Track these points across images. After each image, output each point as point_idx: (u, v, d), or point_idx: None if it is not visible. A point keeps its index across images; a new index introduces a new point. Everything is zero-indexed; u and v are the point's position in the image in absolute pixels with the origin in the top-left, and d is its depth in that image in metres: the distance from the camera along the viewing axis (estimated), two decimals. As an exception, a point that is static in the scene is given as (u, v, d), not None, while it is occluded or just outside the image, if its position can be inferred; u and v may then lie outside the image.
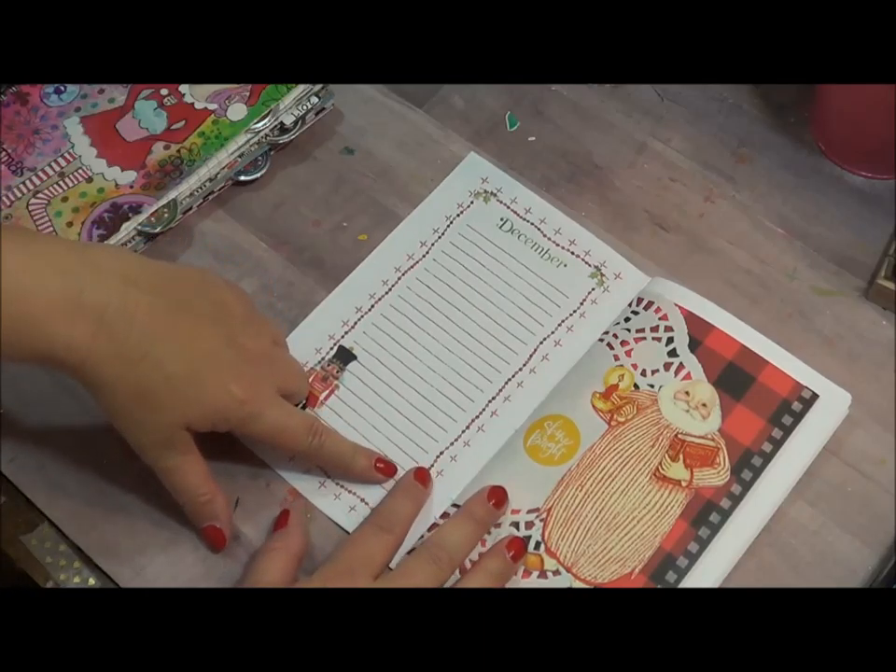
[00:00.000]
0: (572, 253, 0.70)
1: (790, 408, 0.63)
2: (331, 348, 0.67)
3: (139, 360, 0.56)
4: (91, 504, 0.62)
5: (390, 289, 0.69)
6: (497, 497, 0.61)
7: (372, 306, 0.68)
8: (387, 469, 0.63)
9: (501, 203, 0.72)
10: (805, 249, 0.70)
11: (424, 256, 0.70)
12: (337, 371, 0.67)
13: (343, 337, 0.68)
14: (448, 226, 0.71)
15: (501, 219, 0.71)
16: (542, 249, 0.70)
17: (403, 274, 0.70)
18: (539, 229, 0.71)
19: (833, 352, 0.66)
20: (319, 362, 0.67)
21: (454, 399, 0.66)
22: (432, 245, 0.70)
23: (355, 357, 0.67)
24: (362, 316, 0.68)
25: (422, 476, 0.62)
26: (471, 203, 0.72)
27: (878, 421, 0.64)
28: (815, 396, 0.63)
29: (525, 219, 0.71)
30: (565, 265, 0.69)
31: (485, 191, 0.72)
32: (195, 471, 0.60)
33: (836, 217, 0.71)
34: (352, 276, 0.70)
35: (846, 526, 0.61)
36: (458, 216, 0.71)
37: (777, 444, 0.62)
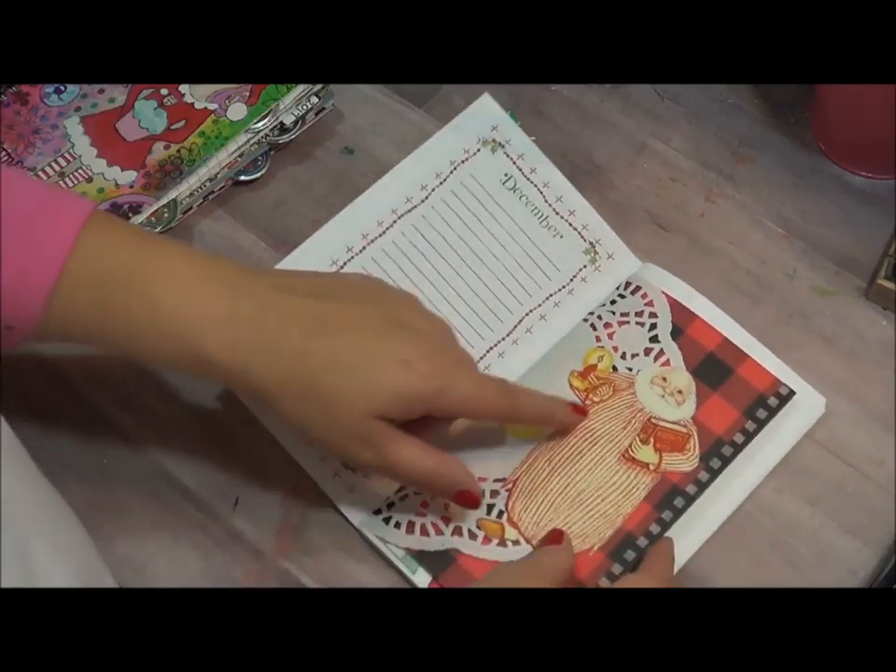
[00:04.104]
0: (570, 224, 0.69)
1: (765, 402, 0.63)
2: None
3: (304, 356, 0.54)
4: (91, 504, 0.62)
5: (384, 232, 0.68)
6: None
7: (364, 248, 0.67)
8: (580, 409, 0.62)
9: (508, 156, 0.70)
10: (805, 249, 0.70)
11: (423, 201, 0.69)
12: None
13: None
14: (451, 171, 0.70)
15: (506, 175, 0.70)
16: (542, 215, 0.69)
17: (399, 217, 0.68)
18: (541, 192, 0.70)
19: (833, 352, 0.66)
20: None
21: None
22: (433, 190, 0.69)
23: None
24: (353, 257, 0.67)
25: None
26: (478, 150, 0.70)
27: (878, 421, 0.64)
28: (791, 393, 0.63)
29: (529, 179, 0.70)
30: (561, 236, 0.69)
31: (494, 140, 0.71)
32: (412, 457, 0.56)
33: (836, 217, 0.71)
34: (348, 209, 0.68)
35: (846, 526, 0.61)
36: (463, 162, 0.70)
37: (749, 436, 0.62)
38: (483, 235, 0.69)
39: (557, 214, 0.70)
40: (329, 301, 0.57)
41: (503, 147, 0.71)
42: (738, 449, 0.62)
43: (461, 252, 0.68)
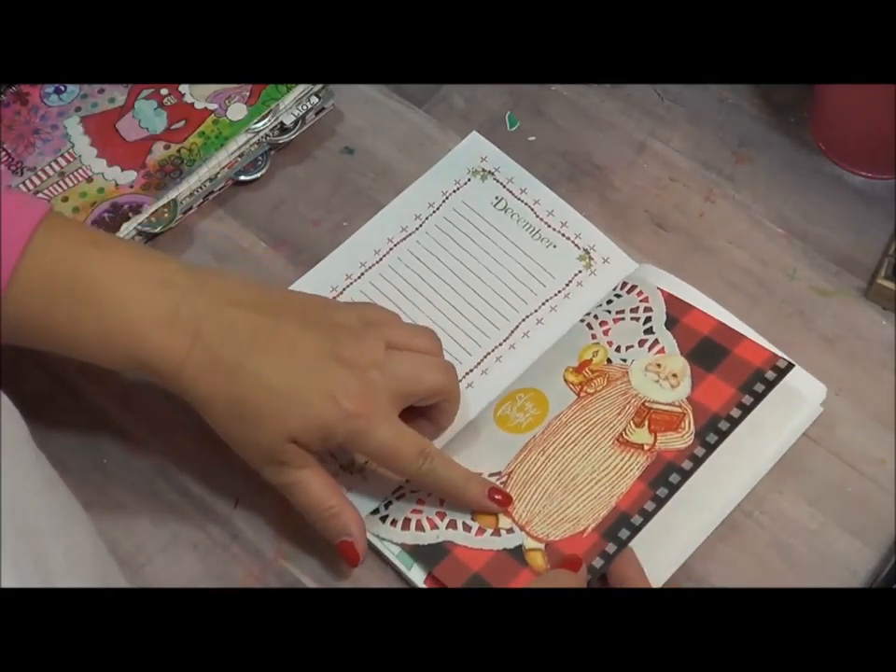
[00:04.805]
0: (563, 235, 0.70)
1: (762, 376, 0.62)
2: None
3: (234, 373, 0.55)
4: (90, 504, 0.62)
5: (381, 259, 0.70)
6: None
7: (362, 274, 0.69)
8: (503, 499, 0.60)
9: (498, 181, 0.72)
10: (805, 249, 0.70)
11: (417, 229, 0.71)
12: None
13: None
14: (444, 201, 0.72)
15: (496, 198, 0.72)
16: (534, 229, 0.70)
17: (395, 245, 0.70)
18: (532, 209, 0.71)
19: (833, 352, 0.66)
20: None
21: None
22: (426, 218, 0.71)
23: None
24: (351, 283, 0.69)
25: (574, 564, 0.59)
26: (468, 180, 0.72)
27: (878, 421, 0.64)
28: (791, 365, 0.63)
29: (519, 199, 0.71)
30: (554, 246, 0.70)
31: (483, 170, 0.73)
32: (316, 486, 0.58)
33: (836, 217, 0.71)
34: (344, 245, 0.70)
35: (846, 526, 0.61)
36: (455, 192, 0.72)
37: (747, 410, 0.61)
38: (476, 253, 0.70)
39: (549, 226, 0.71)
40: (272, 316, 0.57)
41: (492, 174, 0.73)
42: (735, 422, 0.61)
43: (455, 269, 0.69)
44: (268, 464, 0.58)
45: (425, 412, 0.61)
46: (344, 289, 0.69)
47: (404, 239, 0.70)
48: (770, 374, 0.62)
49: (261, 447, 0.57)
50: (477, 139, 0.74)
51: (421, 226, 0.71)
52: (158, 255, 0.59)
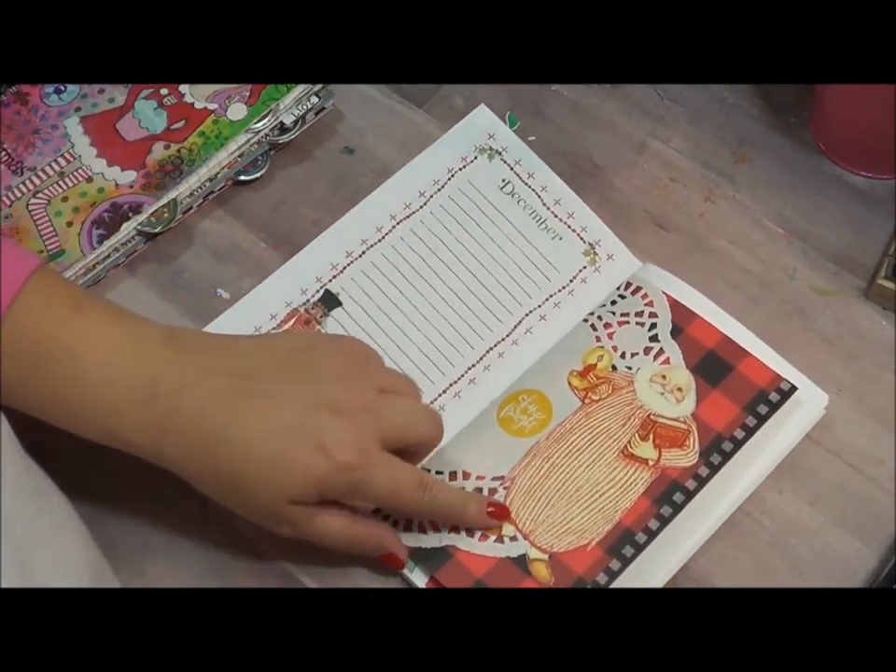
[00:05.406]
0: (569, 227, 0.70)
1: (766, 398, 0.63)
2: (318, 291, 0.67)
3: (216, 447, 0.54)
4: (91, 504, 0.62)
5: (383, 237, 0.69)
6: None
7: (363, 252, 0.69)
8: (500, 511, 0.60)
9: (505, 163, 0.71)
10: (805, 249, 0.70)
11: (421, 207, 0.70)
12: (320, 316, 0.66)
13: (330, 281, 0.68)
14: (449, 179, 0.71)
15: (503, 181, 0.71)
16: (540, 218, 0.70)
17: (398, 223, 0.69)
18: (539, 196, 0.70)
19: (833, 352, 0.66)
20: (304, 304, 0.67)
21: (434, 360, 0.66)
22: (431, 196, 0.70)
23: (340, 304, 0.67)
24: (352, 262, 0.68)
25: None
26: (475, 158, 0.71)
27: (878, 421, 0.64)
28: (793, 388, 0.63)
29: (526, 184, 0.71)
30: (560, 238, 0.69)
31: (491, 148, 0.72)
32: (334, 527, 0.56)
33: (836, 217, 0.71)
34: (346, 218, 0.70)
35: (846, 526, 0.61)
36: (461, 170, 0.71)
37: (750, 432, 0.62)
38: (481, 239, 0.69)
39: (556, 216, 0.70)
40: (253, 379, 0.55)
41: (500, 153, 0.72)
42: (739, 444, 0.62)
43: (459, 255, 0.69)
44: (274, 524, 0.57)
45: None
46: (345, 268, 0.68)
47: (407, 217, 0.69)
48: (774, 396, 0.63)
49: (264, 512, 0.56)
50: (485, 112, 0.73)
51: (425, 204, 0.70)
52: (137, 319, 0.57)
